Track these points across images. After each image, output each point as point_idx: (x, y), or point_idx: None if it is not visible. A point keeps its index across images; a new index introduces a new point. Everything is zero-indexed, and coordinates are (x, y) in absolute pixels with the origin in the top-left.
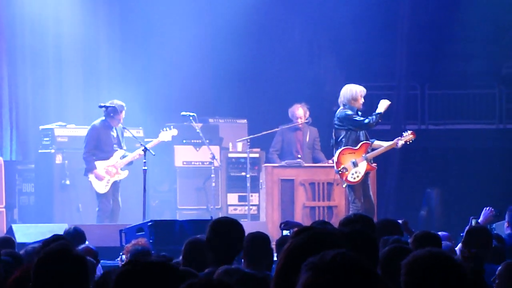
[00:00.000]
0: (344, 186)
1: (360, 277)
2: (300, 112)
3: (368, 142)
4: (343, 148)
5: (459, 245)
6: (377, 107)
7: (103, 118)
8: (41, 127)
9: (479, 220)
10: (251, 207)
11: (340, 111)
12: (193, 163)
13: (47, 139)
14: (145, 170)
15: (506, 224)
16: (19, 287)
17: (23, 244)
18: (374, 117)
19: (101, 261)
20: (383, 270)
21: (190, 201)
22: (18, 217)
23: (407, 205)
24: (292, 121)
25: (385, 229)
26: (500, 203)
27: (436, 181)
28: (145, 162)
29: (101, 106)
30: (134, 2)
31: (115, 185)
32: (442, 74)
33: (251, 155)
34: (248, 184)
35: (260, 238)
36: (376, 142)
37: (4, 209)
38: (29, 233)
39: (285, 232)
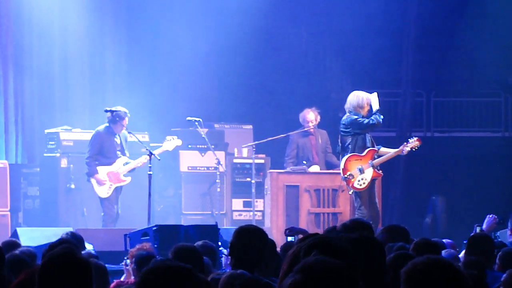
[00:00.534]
0: (350, 192)
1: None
2: (311, 116)
3: (374, 148)
4: (349, 154)
5: (463, 252)
6: (383, 114)
7: (107, 124)
8: (46, 131)
9: (483, 228)
10: (256, 213)
11: (346, 117)
12: (198, 168)
13: (53, 143)
14: (150, 175)
15: (509, 232)
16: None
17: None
18: (377, 115)
19: (106, 265)
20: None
21: (195, 206)
22: (23, 220)
23: (412, 212)
24: (298, 127)
25: (392, 235)
26: (505, 210)
27: (441, 189)
28: (150, 167)
29: (107, 111)
30: (141, 9)
31: (117, 191)
32: (448, 81)
33: (256, 160)
34: (253, 190)
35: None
36: (382, 149)
37: (9, 213)
38: (33, 237)
39: (290, 238)
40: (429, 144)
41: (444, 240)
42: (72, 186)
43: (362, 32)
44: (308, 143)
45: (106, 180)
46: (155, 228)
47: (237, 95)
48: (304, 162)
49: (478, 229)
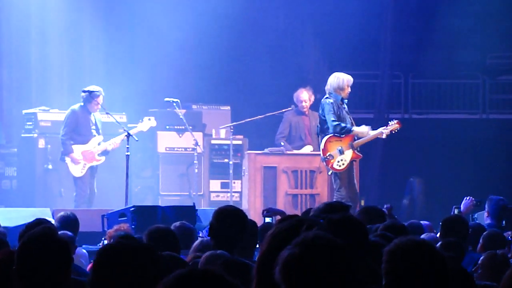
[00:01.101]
0: (329, 173)
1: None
2: (304, 95)
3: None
4: (329, 135)
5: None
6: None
7: (82, 103)
8: (24, 111)
9: (461, 209)
10: (233, 194)
11: (323, 100)
12: (176, 149)
13: (30, 123)
14: (128, 156)
15: (486, 214)
16: (1, 270)
17: (6, 228)
18: (343, 129)
19: (83, 246)
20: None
21: (173, 187)
22: (0, 201)
23: (389, 194)
24: (276, 109)
25: (370, 216)
26: (482, 192)
27: (419, 170)
28: (128, 147)
29: (84, 91)
30: None
31: (92, 170)
32: (426, 63)
33: (234, 142)
34: (231, 171)
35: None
36: (358, 128)
37: None
38: (11, 217)
39: (267, 219)
40: (406, 125)
41: (422, 222)
42: (50, 166)
43: (340, 14)
44: (301, 122)
45: (81, 159)
46: (132, 209)
47: (215, 76)
48: (282, 143)
49: (456, 211)
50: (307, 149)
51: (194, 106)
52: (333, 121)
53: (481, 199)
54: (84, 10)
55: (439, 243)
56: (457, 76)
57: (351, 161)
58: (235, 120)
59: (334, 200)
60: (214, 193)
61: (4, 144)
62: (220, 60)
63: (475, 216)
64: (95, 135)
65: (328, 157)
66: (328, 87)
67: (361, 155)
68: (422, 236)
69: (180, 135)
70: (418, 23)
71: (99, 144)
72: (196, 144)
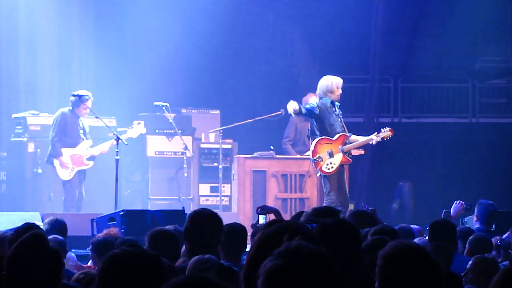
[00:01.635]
0: (317, 175)
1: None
2: (313, 100)
3: (346, 134)
4: (320, 137)
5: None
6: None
7: (70, 107)
8: (13, 115)
9: (451, 213)
10: (223, 198)
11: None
12: (165, 153)
13: (20, 127)
14: (117, 160)
15: (475, 218)
16: None
17: None
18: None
19: (73, 250)
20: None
21: (162, 191)
22: None
23: (379, 198)
24: (266, 113)
25: (360, 220)
26: (472, 196)
27: (408, 174)
28: (117, 151)
29: (74, 95)
30: None
31: (80, 174)
32: (416, 67)
33: (224, 146)
34: (220, 175)
35: (237, 230)
36: (353, 137)
37: None
38: (0, 221)
39: (261, 217)
40: (396, 129)
41: (412, 226)
42: (39, 170)
43: (330, 17)
44: (306, 127)
45: (69, 162)
46: (122, 213)
47: (204, 80)
48: (272, 147)
49: (445, 215)
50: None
51: (183, 110)
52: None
53: (471, 203)
54: (73, 14)
55: (428, 247)
56: (447, 80)
57: (341, 165)
58: (224, 124)
59: (324, 204)
60: (204, 197)
61: None
62: (209, 64)
63: (465, 220)
64: (83, 139)
65: (317, 159)
66: (318, 91)
67: (351, 159)
68: (414, 240)
69: (170, 139)
70: (408, 27)
71: (87, 149)
72: (186, 148)
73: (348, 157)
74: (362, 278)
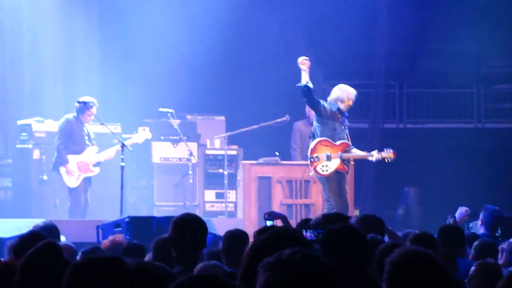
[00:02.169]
0: (310, 173)
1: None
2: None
3: (348, 143)
4: (323, 138)
5: None
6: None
7: (75, 114)
8: (19, 122)
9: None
10: (228, 204)
11: None
12: (170, 159)
13: (25, 134)
14: (122, 166)
15: (479, 223)
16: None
17: (0, 239)
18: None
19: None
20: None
21: (167, 197)
22: None
23: (384, 204)
24: (271, 118)
25: (367, 225)
26: (478, 201)
27: (414, 180)
28: (122, 158)
29: (79, 102)
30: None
31: (86, 181)
32: (421, 73)
33: (229, 152)
34: (226, 181)
35: (238, 236)
36: (355, 150)
37: None
38: (6, 228)
39: (269, 223)
40: (401, 135)
41: (417, 232)
42: (45, 177)
43: (335, 23)
44: (310, 133)
45: (75, 170)
46: (127, 219)
47: (209, 86)
48: (277, 153)
49: (451, 220)
50: None
51: (188, 116)
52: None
53: (475, 210)
54: (77, 20)
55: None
56: (452, 86)
57: (337, 172)
58: (229, 130)
59: (325, 210)
60: (209, 203)
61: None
62: (214, 70)
63: (470, 225)
64: (88, 145)
65: (314, 158)
66: (330, 96)
67: (347, 169)
68: None
69: (175, 145)
70: (413, 33)
71: (93, 155)
72: (191, 154)
73: (345, 165)
74: (368, 284)
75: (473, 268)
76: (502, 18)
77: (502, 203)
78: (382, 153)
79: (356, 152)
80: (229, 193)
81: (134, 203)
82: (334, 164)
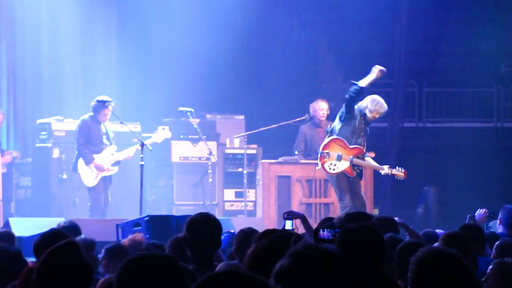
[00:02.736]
0: (317, 168)
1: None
2: (324, 105)
3: (362, 150)
4: (339, 137)
5: None
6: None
7: (91, 113)
8: (38, 121)
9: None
10: (247, 203)
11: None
12: (190, 158)
13: (45, 133)
14: (142, 165)
15: (498, 222)
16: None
17: (20, 238)
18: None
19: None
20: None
21: (187, 196)
22: (15, 210)
23: (404, 203)
24: (290, 118)
25: (380, 227)
26: (497, 201)
27: (433, 179)
28: (142, 157)
29: (99, 101)
30: None
31: (105, 180)
32: (440, 72)
33: (248, 151)
34: (245, 180)
35: (250, 234)
36: (367, 158)
37: (1, 203)
38: (26, 227)
39: (288, 222)
40: (421, 134)
41: (436, 231)
42: (64, 176)
43: (354, 23)
44: (316, 136)
45: (93, 169)
46: (146, 218)
47: (229, 86)
48: (296, 152)
49: (471, 220)
50: None
51: (208, 116)
52: (341, 116)
53: (494, 211)
54: (96, 20)
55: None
56: (472, 85)
57: (344, 174)
58: (249, 129)
59: (339, 210)
60: (229, 202)
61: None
62: (234, 69)
63: (490, 224)
64: (106, 145)
65: (325, 153)
66: (362, 102)
67: (355, 174)
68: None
69: (194, 144)
70: (432, 32)
71: (112, 154)
72: (210, 153)
73: (353, 170)
74: (386, 282)
75: (490, 267)
76: None
77: None
78: (393, 170)
79: (369, 161)
80: (248, 192)
81: (154, 202)
82: (343, 165)
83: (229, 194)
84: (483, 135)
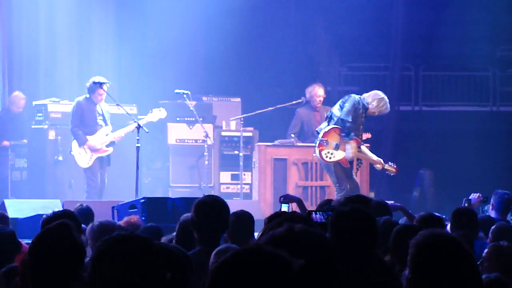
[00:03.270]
0: (314, 154)
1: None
2: (320, 91)
3: (360, 141)
4: (339, 128)
5: (448, 226)
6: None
7: (87, 95)
8: (34, 102)
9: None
10: (243, 185)
11: (352, 99)
12: (186, 141)
13: (40, 114)
14: (138, 147)
15: (490, 207)
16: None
17: (15, 220)
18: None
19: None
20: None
21: (183, 179)
22: (11, 192)
23: (399, 187)
24: (287, 100)
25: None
26: (492, 185)
27: (429, 163)
28: (138, 139)
29: (94, 82)
30: None
31: (101, 161)
32: (437, 55)
33: (244, 133)
34: (241, 163)
35: (244, 217)
36: (363, 148)
37: None
38: (21, 209)
39: (284, 206)
40: (417, 118)
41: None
42: (60, 158)
43: (351, 6)
44: (313, 119)
45: (87, 150)
46: (142, 200)
47: (225, 68)
48: (292, 135)
49: (466, 203)
50: None
51: (204, 98)
52: (346, 118)
53: (488, 195)
54: (93, 2)
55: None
56: (468, 69)
57: (338, 163)
58: (245, 112)
59: (336, 194)
60: (224, 185)
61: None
62: (230, 52)
63: (485, 208)
64: (102, 126)
65: (323, 141)
66: (367, 96)
67: (349, 165)
68: None
69: (191, 127)
70: (429, 16)
71: (107, 135)
72: (207, 136)
73: (347, 161)
74: (377, 265)
75: (486, 250)
76: None
77: None
78: (386, 165)
79: (366, 153)
80: (244, 175)
81: (150, 184)
82: (339, 155)
83: (225, 176)
84: (479, 118)
